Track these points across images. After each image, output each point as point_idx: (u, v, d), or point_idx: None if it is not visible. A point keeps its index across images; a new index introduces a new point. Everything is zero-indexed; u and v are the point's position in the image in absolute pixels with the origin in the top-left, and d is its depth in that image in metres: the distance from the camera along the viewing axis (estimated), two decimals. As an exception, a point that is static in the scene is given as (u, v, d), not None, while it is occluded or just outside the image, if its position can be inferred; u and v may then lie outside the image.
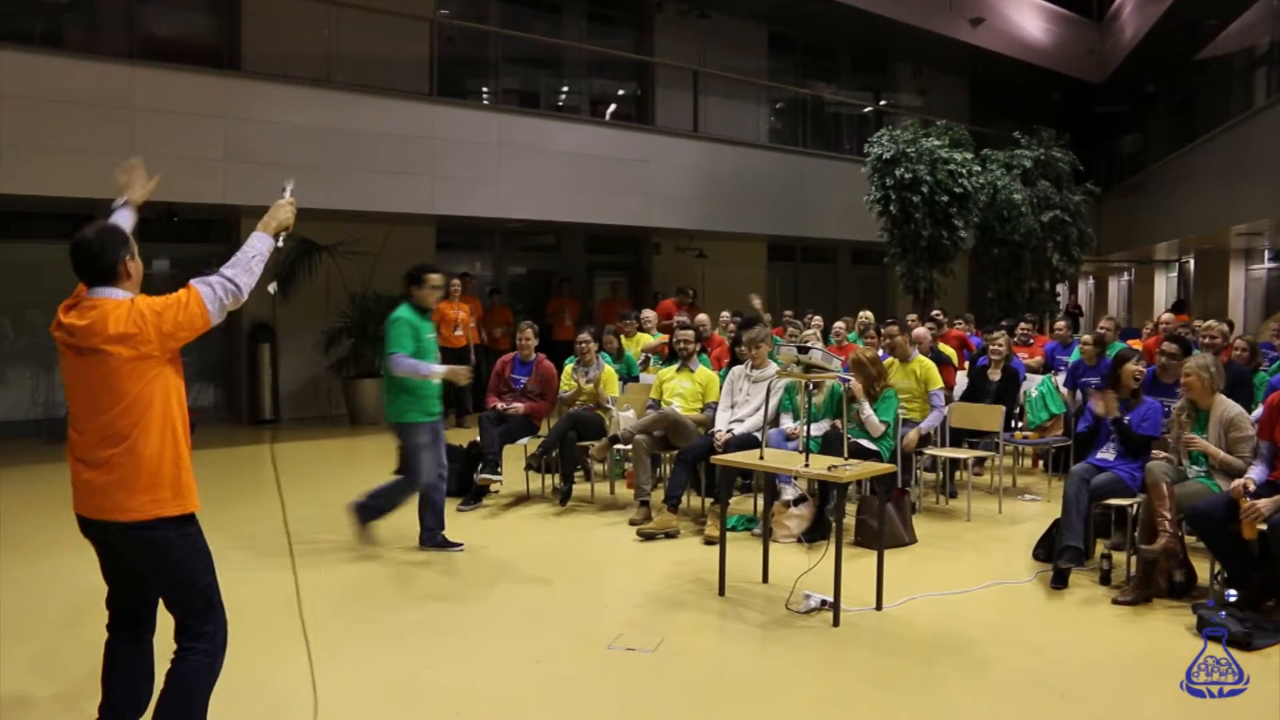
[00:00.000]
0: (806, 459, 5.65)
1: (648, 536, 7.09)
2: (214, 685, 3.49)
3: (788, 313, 12.51)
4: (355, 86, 12.04)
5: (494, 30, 14.62)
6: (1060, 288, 18.50)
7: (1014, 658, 4.91)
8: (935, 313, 11.84)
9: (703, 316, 11.02)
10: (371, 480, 6.96)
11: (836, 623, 5.28)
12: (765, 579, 6.07)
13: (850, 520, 6.96)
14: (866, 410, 7.23)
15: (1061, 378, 9.38)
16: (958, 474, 8.60)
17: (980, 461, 8.77)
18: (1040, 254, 16.29)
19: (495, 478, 8.01)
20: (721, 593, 5.82)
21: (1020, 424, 8.84)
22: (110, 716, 3.54)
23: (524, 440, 8.48)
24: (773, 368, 7.57)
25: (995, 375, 8.74)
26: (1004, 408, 8.24)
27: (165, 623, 3.53)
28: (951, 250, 14.10)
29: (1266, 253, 19.36)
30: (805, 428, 6.10)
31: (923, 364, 8.24)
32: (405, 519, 7.36)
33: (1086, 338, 9.10)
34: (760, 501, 7.33)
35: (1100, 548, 6.30)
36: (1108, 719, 4.28)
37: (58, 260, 11.85)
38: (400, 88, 12.48)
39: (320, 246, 12.83)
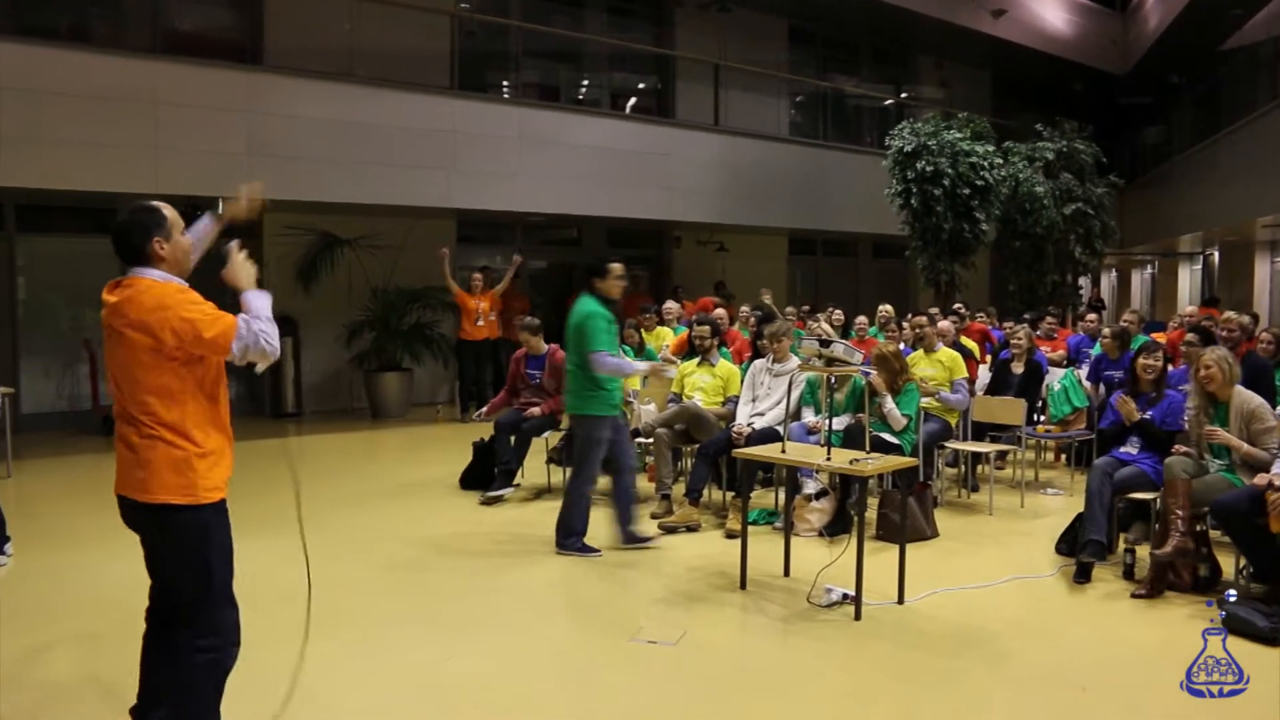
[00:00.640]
0: (828, 453, 5.65)
1: (669, 530, 7.10)
2: (225, 678, 3.50)
3: (790, 310, 12.45)
4: (376, 80, 12.07)
5: (514, 24, 14.63)
6: (1083, 280, 18.38)
7: (1036, 652, 4.90)
8: (957, 306, 11.80)
9: (720, 311, 11.02)
10: (393, 471, 6.99)
11: (858, 616, 5.29)
12: (787, 573, 6.07)
13: (872, 514, 6.95)
14: (888, 404, 7.22)
15: (1084, 371, 9.33)
16: (979, 468, 8.58)
17: (1002, 455, 8.73)
18: (1062, 247, 16.20)
19: (504, 492, 8.10)
20: (743, 586, 5.83)
21: (1042, 418, 8.80)
22: (149, 703, 3.56)
23: (546, 433, 8.49)
24: (794, 361, 7.57)
25: (1018, 369, 8.70)
26: (1026, 401, 8.20)
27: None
28: (973, 243, 14.05)
29: (1292, 245, 19.20)
30: (827, 421, 6.10)
31: (948, 353, 8.26)
32: (428, 509, 7.41)
33: (1107, 331, 9.05)
34: (781, 495, 7.34)
35: (1123, 542, 6.28)
36: (1130, 713, 4.26)
37: (82, 254, 12.03)
38: (421, 82, 12.52)
39: (342, 240, 12.91)
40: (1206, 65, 19.25)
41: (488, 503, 8.00)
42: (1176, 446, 6.05)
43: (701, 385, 8.06)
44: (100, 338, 3.48)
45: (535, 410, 8.35)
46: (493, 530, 7.33)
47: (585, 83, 16.38)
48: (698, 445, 7.61)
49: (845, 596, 5.47)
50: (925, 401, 7.85)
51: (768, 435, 7.19)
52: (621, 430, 6.73)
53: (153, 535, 3.44)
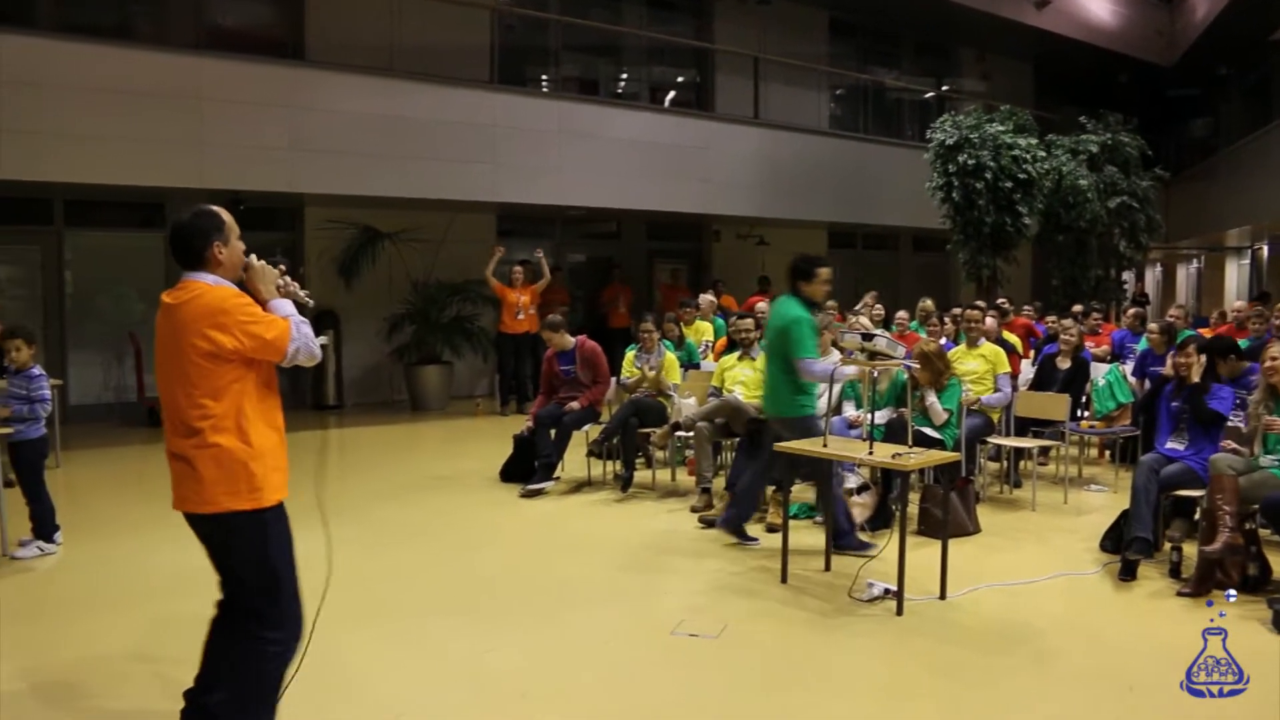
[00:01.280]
0: (870, 447, 5.62)
1: (709, 523, 7.09)
2: (286, 669, 3.55)
3: (831, 304, 12.33)
4: (417, 75, 12.13)
5: (554, 18, 14.64)
6: (1127, 275, 18.15)
7: (1080, 649, 4.86)
8: (1001, 300, 11.69)
9: (762, 305, 10.97)
10: (433, 464, 7.02)
11: (900, 611, 5.26)
12: (828, 567, 6.06)
13: (913, 509, 6.90)
14: (930, 397, 7.17)
15: (1129, 366, 9.23)
16: (1022, 463, 8.50)
17: (1045, 451, 8.65)
18: (1106, 241, 16.00)
19: (544, 486, 8.11)
20: (784, 580, 5.81)
21: (1086, 413, 8.71)
22: (203, 687, 3.60)
23: (586, 427, 8.52)
24: (834, 355, 7.53)
25: (1064, 364, 8.60)
26: (1070, 396, 8.11)
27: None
28: (1015, 237, 13.92)
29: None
30: (869, 415, 6.06)
31: (991, 348, 8.19)
32: (468, 502, 7.45)
33: (1153, 326, 8.94)
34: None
35: (1170, 539, 6.19)
36: (1178, 713, 4.20)
37: (129, 248, 12.15)
38: (461, 76, 12.56)
39: (383, 234, 12.99)
40: (1256, 56, 18.92)
41: (528, 495, 8.02)
42: (1225, 442, 5.98)
43: (742, 379, 8.04)
44: (146, 331, 3.52)
45: (574, 404, 8.37)
46: (533, 523, 7.37)
47: (624, 76, 16.38)
48: (738, 439, 7.59)
49: (887, 591, 5.44)
50: (967, 397, 7.79)
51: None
52: (814, 431, 6.41)
53: (217, 541, 3.50)
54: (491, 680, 4.43)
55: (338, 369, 13.23)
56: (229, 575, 3.57)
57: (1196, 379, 6.34)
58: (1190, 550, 5.95)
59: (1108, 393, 8.56)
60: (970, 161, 13.35)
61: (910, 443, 5.85)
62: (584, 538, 6.91)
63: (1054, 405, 8.09)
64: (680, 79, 16.94)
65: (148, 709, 4.12)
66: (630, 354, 8.89)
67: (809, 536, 6.61)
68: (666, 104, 16.33)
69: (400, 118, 11.79)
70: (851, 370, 6.42)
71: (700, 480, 7.63)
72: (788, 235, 17.23)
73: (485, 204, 13.27)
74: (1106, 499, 8.02)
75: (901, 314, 10.87)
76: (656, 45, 16.32)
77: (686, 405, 8.12)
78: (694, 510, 7.41)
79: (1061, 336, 8.81)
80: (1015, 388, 8.42)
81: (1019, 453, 8.37)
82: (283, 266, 3.65)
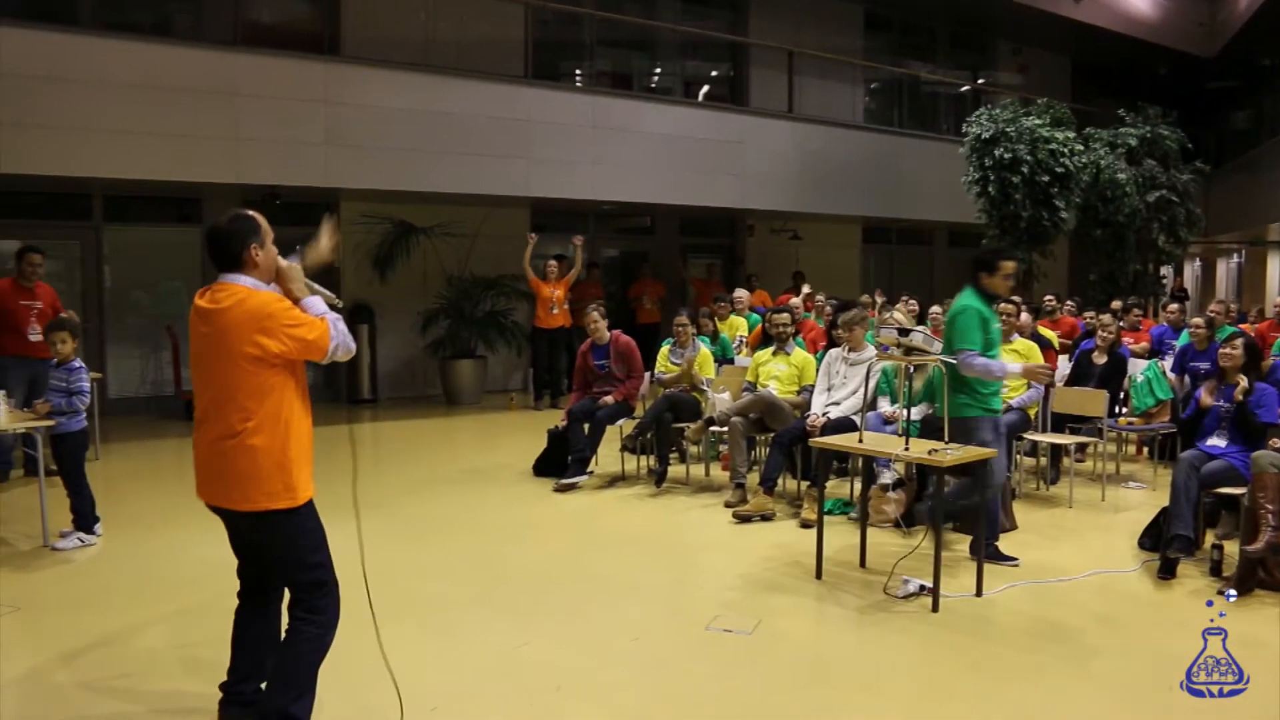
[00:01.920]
0: (906, 442, 5.59)
1: (743, 519, 7.08)
2: (325, 655, 3.62)
3: (865, 298, 12.28)
4: (451, 70, 12.16)
5: (588, 12, 14.64)
6: (1166, 270, 17.94)
7: (1120, 648, 4.81)
8: (1048, 297, 11.58)
9: (796, 300, 10.93)
10: (467, 458, 7.04)
11: (936, 608, 5.22)
12: (863, 563, 6.02)
13: (949, 505, 6.85)
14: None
15: (1168, 362, 9.12)
16: (1060, 460, 8.43)
17: (1082, 448, 8.56)
18: (1145, 235, 15.81)
19: (578, 480, 8.10)
20: (819, 576, 5.79)
21: (1124, 409, 8.61)
22: (236, 679, 3.73)
23: (620, 421, 8.52)
24: (870, 350, 7.49)
25: (1100, 359, 8.50)
26: (1108, 393, 8.02)
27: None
28: (1052, 231, 13.78)
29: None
30: (905, 411, 6.02)
31: (1024, 344, 8.09)
32: (502, 496, 7.45)
33: (1197, 321, 8.83)
34: (857, 485, 7.27)
35: (1210, 538, 6.12)
36: (1220, 714, 4.15)
37: (166, 243, 12.26)
38: (495, 71, 12.58)
39: (417, 229, 13.04)
40: (1301, 47, 18.64)
41: (561, 490, 8.03)
42: (1273, 441, 5.89)
43: (776, 374, 8.02)
44: (183, 325, 3.58)
45: (608, 398, 8.37)
46: (567, 518, 7.38)
47: (658, 71, 16.35)
48: (773, 434, 7.57)
49: (922, 588, 5.41)
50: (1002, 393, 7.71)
51: (843, 425, 7.13)
52: (1000, 434, 6.05)
53: (250, 536, 3.60)
54: (525, 673, 4.44)
55: (372, 363, 13.30)
56: (261, 566, 3.65)
57: (1238, 379, 6.25)
58: (1231, 549, 5.88)
59: (1146, 389, 8.46)
60: (1007, 155, 13.23)
61: (947, 438, 5.81)
62: (618, 533, 6.91)
63: (1091, 401, 8.01)
64: (714, 73, 16.89)
65: (182, 690, 4.22)
66: (665, 348, 8.89)
67: (844, 532, 6.58)
68: (700, 98, 16.28)
69: (435, 112, 11.82)
70: (1015, 368, 6.09)
71: (734, 475, 7.61)
72: (822, 230, 17.16)
73: (519, 199, 13.29)
74: (1145, 496, 7.94)
75: (935, 309, 10.78)
76: (690, 39, 16.28)
77: (721, 400, 8.10)
78: (728, 505, 7.39)
79: (1100, 333, 8.71)
80: (1051, 383, 8.31)
81: (1056, 449, 8.29)
82: (298, 250, 3.68)
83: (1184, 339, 9.23)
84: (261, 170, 10.74)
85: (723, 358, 9.62)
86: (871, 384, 7.44)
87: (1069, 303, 12.51)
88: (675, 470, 8.55)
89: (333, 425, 11.14)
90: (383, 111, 11.49)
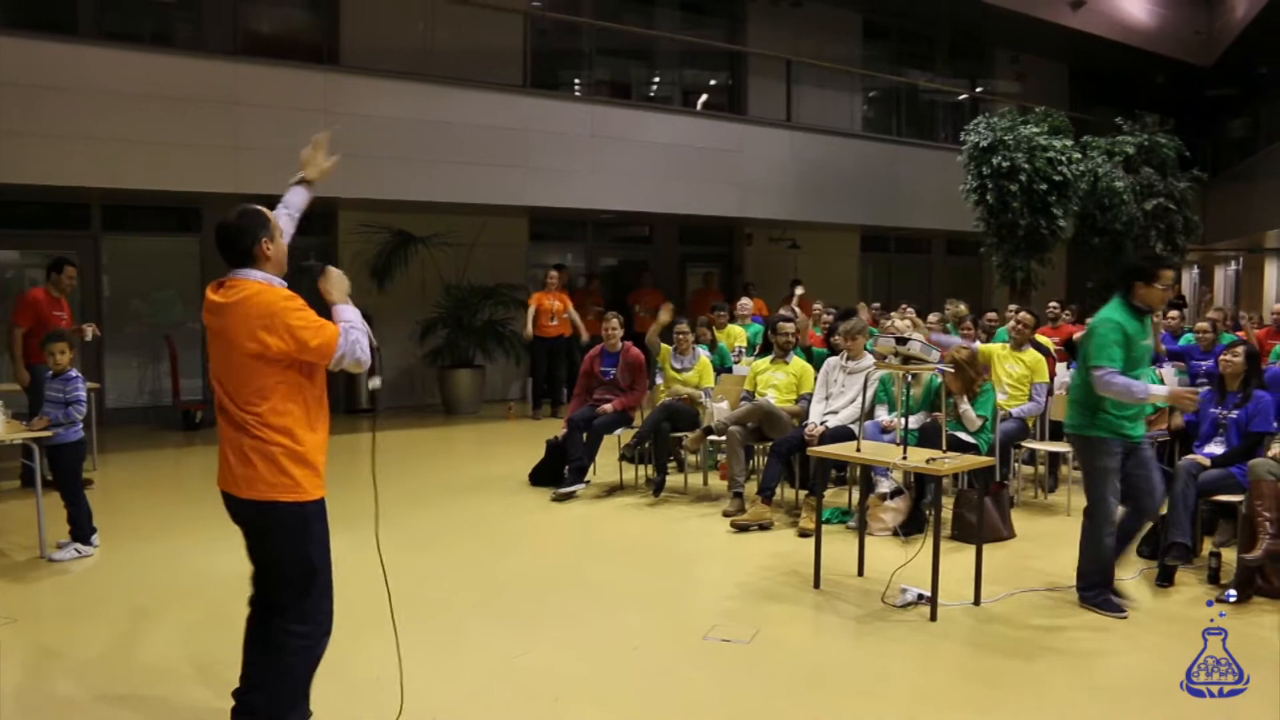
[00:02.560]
0: (904, 451, 5.59)
1: (741, 528, 7.08)
2: (317, 665, 3.61)
3: (862, 306, 12.27)
4: (450, 79, 12.16)
5: (586, 21, 14.67)
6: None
7: (1118, 656, 4.81)
8: (1053, 305, 11.58)
9: (791, 309, 10.93)
10: (465, 467, 7.03)
11: (934, 617, 5.22)
12: (861, 572, 6.02)
13: (947, 514, 6.86)
14: (964, 405, 7.11)
15: (1167, 370, 9.11)
16: (1058, 468, 8.42)
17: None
18: (1143, 243, 15.80)
19: (575, 489, 8.10)
20: (816, 585, 5.79)
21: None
22: (248, 687, 3.71)
23: (619, 431, 8.52)
24: (868, 359, 7.50)
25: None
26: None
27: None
28: (1050, 239, 13.79)
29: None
30: (903, 420, 6.03)
31: (1033, 355, 8.11)
32: (500, 505, 7.43)
33: (1203, 325, 8.85)
34: (854, 494, 7.27)
35: (1208, 545, 6.12)
36: (1222, 714, 4.14)
37: (165, 252, 12.26)
38: (494, 80, 12.60)
39: (415, 238, 13.04)
40: (1298, 55, 18.66)
41: (560, 499, 8.03)
42: (1271, 448, 5.89)
43: (774, 383, 8.02)
44: (182, 335, 3.60)
45: (607, 407, 8.37)
46: (565, 527, 7.38)
47: (657, 79, 16.37)
48: (770, 443, 7.57)
49: (920, 597, 5.40)
50: (1001, 399, 7.74)
51: (841, 433, 7.13)
52: (1143, 460, 5.44)
53: (257, 529, 3.58)
54: (524, 682, 4.43)
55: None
56: (263, 566, 3.64)
57: (1235, 387, 6.26)
58: (1229, 556, 5.88)
59: (1145, 396, 8.45)
60: (1004, 164, 13.24)
61: (944, 447, 5.81)
62: (616, 542, 6.91)
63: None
64: (712, 82, 16.91)
65: (179, 700, 4.20)
66: (666, 349, 8.90)
67: (842, 541, 6.57)
68: (698, 107, 16.30)
69: (433, 122, 11.84)
70: (1160, 391, 5.40)
71: (732, 484, 7.61)
72: (820, 239, 17.17)
73: (517, 208, 13.30)
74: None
75: (933, 318, 10.79)
76: (688, 48, 16.29)
77: (719, 409, 8.11)
78: (726, 515, 7.39)
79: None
80: (1051, 391, 8.32)
81: (1054, 457, 8.29)
82: (313, 261, 3.71)
83: (1190, 339, 9.25)
84: (261, 180, 10.69)
85: (721, 366, 9.62)
86: (870, 393, 7.45)
87: (1065, 313, 12.50)
88: (673, 479, 8.55)
89: (333, 434, 11.15)
90: (381, 121, 11.49)
